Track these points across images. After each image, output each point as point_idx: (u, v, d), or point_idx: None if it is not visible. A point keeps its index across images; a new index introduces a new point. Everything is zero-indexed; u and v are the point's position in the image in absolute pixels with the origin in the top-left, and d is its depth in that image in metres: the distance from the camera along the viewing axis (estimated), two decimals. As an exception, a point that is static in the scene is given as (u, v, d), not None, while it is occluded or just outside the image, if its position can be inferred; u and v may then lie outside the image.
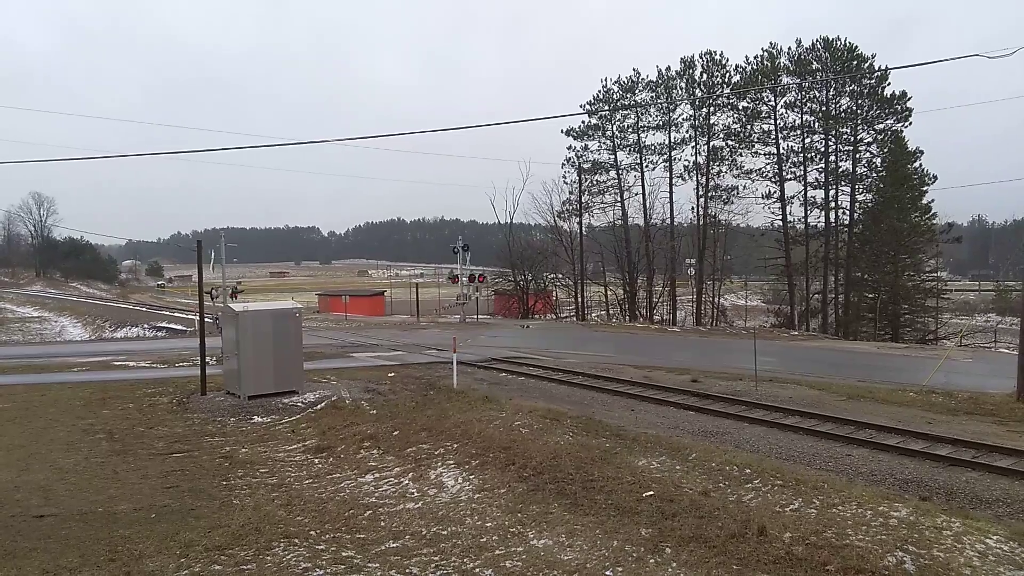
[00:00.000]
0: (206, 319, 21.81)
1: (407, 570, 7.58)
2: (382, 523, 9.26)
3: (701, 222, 55.28)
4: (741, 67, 54.18)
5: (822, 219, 53.29)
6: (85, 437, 14.56)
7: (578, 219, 60.12)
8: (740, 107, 54.47)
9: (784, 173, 53.55)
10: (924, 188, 49.10)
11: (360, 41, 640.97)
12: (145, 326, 54.00)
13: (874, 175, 52.12)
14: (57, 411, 17.10)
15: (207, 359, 19.57)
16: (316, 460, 12.80)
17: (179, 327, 50.31)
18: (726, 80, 54.82)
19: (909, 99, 49.66)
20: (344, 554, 8.08)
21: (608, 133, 58.44)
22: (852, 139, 52.16)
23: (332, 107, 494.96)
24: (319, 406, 17.34)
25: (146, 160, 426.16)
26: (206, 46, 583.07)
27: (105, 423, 15.76)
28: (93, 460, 12.85)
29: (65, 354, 30.95)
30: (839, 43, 50.84)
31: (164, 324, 53.51)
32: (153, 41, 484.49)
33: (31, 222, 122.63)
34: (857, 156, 52.28)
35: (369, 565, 7.73)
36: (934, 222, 50.31)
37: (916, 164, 49.26)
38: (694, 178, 56.02)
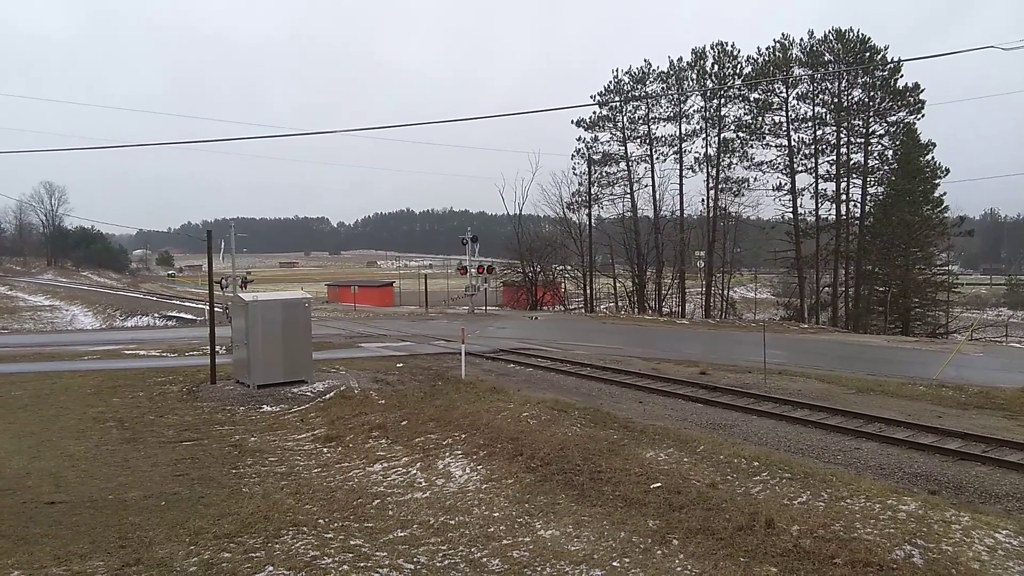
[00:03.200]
0: (216, 308, 21.89)
1: (415, 559, 7.61)
2: (390, 512, 9.29)
3: (711, 214, 55.09)
4: (753, 58, 53.94)
5: (833, 212, 53.10)
6: (95, 425, 14.66)
7: (587, 210, 60.10)
8: (751, 98, 54.18)
9: (795, 165, 53.28)
10: (936, 181, 48.82)
11: (384, 25, 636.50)
12: (155, 315, 54.25)
13: (886, 168, 51.78)
14: (68, 399, 17.22)
15: (217, 348, 19.66)
16: (325, 449, 12.85)
17: (189, 316, 50.58)
18: (737, 71, 54.53)
19: (922, 91, 49.34)
20: (352, 543, 8.12)
21: (618, 124, 58.21)
22: (864, 131, 51.80)
23: (351, 94, 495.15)
24: (328, 396, 17.40)
25: (159, 150, 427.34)
26: (228, 31, 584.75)
27: (115, 411, 15.87)
28: (103, 448, 12.95)
29: (76, 343, 31.14)
30: (852, 34, 50.48)
31: (174, 313, 53.77)
32: (174, 26, 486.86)
33: (42, 211, 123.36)
34: (869, 148, 51.96)
35: (377, 554, 7.77)
36: (946, 215, 50.08)
37: (928, 157, 48.95)
38: (704, 170, 55.92)
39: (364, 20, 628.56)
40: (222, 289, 36.53)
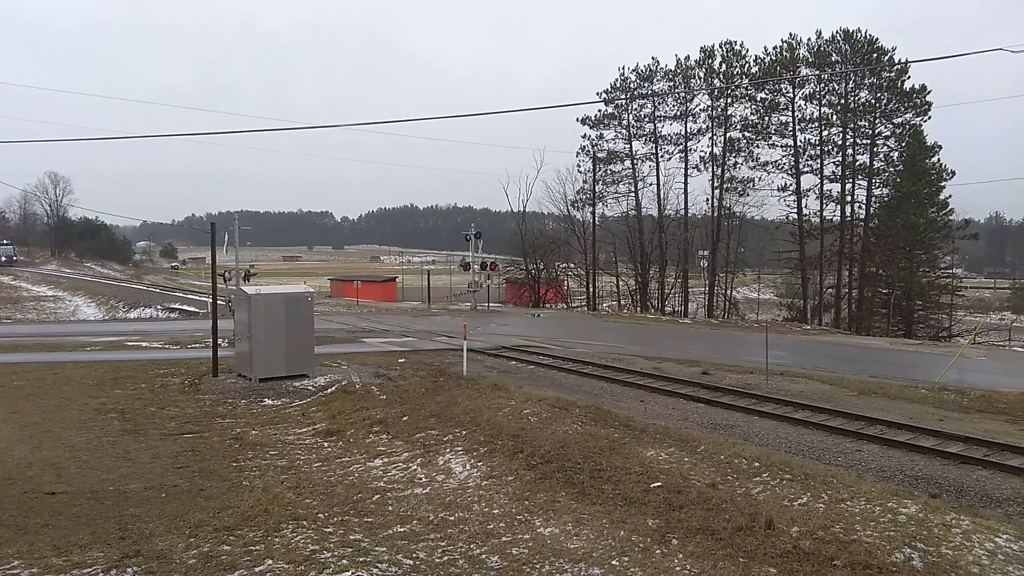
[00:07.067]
0: (219, 301, 21.91)
1: (414, 555, 7.61)
2: (390, 507, 9.30)
3: (715, 214, 55.02)
4: (760, 58, 53.82)
5: (838, 213, 52.98)
6: (97, 416, 14.69)
7: (591, 208, 59.91)
8: (758, 98, 54.04)
9: (801, 166, 53.21)
10: (942, 183, 48.69)
11: (414, 18, 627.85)
12: (158, 307, 54.28)
13: (891, 169, 51.71)
14: (70, 390, 17.25)
15: (219, 341, 19.69)
16: (325, 444, 12.87)
17: (192, 309, 50.59)
18: (745, 71, 54.35)
19: (929, 93, 49.19)
20: (352, 537, 8.12)
21: (624, 122, 58.10)
22: (870, 132, 51.70)
23: (376, 88, 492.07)
24: (329, 390, 17.42)
25: (168, 143, 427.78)
26: (253, 20, 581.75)
27: (117, 402, 15.90)
28: (105, 439, 12.97)
29: (79, 333, 31.20)
30: (859, 35, 50.33)
31: (177, 306, 53.77)
32: (199, 15, 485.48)
33: (47, 201, 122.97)
34: (875, 150, 51.89)
35: (376, 549, 7.77)
36: (951, 218, 49.98)
37: (934, 159, 48.83)
38: (710, 169, 55.82)
39: (395, 12, 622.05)
40: (225, 282, 36.56)
